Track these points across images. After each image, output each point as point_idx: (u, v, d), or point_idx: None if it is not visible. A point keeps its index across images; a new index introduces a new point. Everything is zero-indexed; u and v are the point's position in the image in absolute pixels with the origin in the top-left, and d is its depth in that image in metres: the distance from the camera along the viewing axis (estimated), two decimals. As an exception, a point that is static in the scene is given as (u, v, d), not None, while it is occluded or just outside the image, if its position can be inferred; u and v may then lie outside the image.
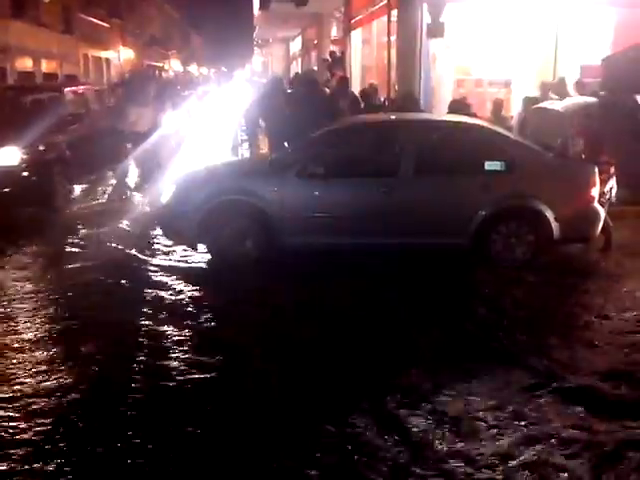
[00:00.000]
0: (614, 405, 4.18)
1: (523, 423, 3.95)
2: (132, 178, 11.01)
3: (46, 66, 25.57)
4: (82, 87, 12.40)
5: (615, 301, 5.91)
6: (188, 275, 6.67)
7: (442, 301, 5.92)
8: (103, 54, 34.09)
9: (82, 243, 7.83)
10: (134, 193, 10.37)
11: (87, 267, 6.88)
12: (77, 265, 6.96)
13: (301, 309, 5.69)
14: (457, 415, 4.03)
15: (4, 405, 4.13)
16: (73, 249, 7.60)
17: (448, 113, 9.13)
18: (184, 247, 7.31)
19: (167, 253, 7.41)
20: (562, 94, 10.19)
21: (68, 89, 11.34)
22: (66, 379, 4.48)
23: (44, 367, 4.65)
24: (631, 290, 6.14)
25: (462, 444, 3.74)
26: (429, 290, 6.15)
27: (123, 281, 6.44)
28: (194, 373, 4.59)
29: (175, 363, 4.75)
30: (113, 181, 10.87)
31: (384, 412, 4.07)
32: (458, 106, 9.30)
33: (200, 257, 7.17)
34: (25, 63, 23.85)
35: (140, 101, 11.06)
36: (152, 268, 6.91)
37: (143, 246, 7.70)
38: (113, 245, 7.66)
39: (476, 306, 5.80)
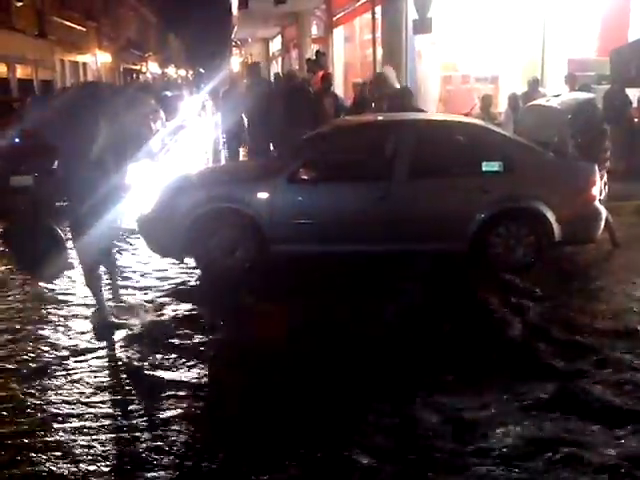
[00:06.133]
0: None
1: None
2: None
3: (21, 72, 25.01)
4: None
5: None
6: (174, 291, 6.34)
7: (444, 309, 5.66)
8: (79, 58, 33.49)
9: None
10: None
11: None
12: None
13: (297, 329, 5.29)
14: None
15: None
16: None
17: None
18: (169, 260, 6.98)
19: (149, 266, 7.09)
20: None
21: None
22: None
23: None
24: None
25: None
26: (431, 298, 5.87)
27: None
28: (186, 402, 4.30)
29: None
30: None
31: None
32: None
33: (187, 270, 6.86)
34: (-1, 69, 23.30)
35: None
36: (134, 283, 6.58)
37: (124, 258, 7.41)
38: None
39: (481, 314, 5.55)
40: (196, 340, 5.20)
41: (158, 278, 6.74)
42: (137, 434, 3.89)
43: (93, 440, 3.83)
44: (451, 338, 5.11)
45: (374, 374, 4.56)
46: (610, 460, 3.52)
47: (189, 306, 5.91)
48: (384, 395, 4.28)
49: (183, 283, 6.57)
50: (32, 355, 4.98)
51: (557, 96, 7.86)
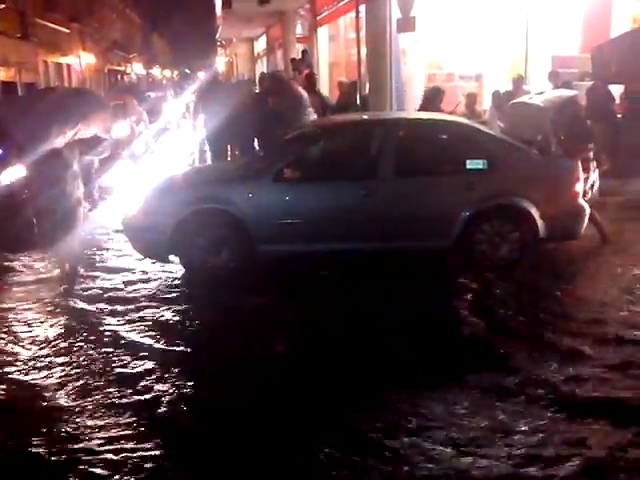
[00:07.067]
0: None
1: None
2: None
3: (4, 75, 24.82)
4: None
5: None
6: (159, 293, 6.31)
7: (430, 307, 5.68)
8: (63, 60, 33.28)
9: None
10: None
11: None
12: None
13: (285, 331, 5.29)
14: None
15: None
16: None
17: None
18: (154, 260, 6.95)
19: (135, 267, 7.07)
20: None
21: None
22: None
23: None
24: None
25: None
26: (416, 296, 5.89)
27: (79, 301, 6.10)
28: (169, 403, 4.28)
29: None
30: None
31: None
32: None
33: (172, 270, 6.84)
34: (-19, 72, 23.12)
35: None
36: (117, 285, 6.54)
37: (108, 258, 7.37)
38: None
39: (468, 311, 5.58)
40: (180, 341, 5.19)
41: (143, 279, 6.72)
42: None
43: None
44: (429, 336, 5.15)
45: (359, 371, 4.57)
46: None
47: (174, 307, 5.90)
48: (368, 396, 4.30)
49: (168, 283, 6.55)
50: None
51: (540, 93, 7.90)
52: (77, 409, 4.19)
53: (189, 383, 4.51)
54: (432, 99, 9.07)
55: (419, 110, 9.03)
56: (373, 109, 11.15)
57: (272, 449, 3.73)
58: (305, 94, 9.44)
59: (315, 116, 9.39)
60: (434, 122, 7.22)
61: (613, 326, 5.18)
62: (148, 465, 3.60)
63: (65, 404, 4.27)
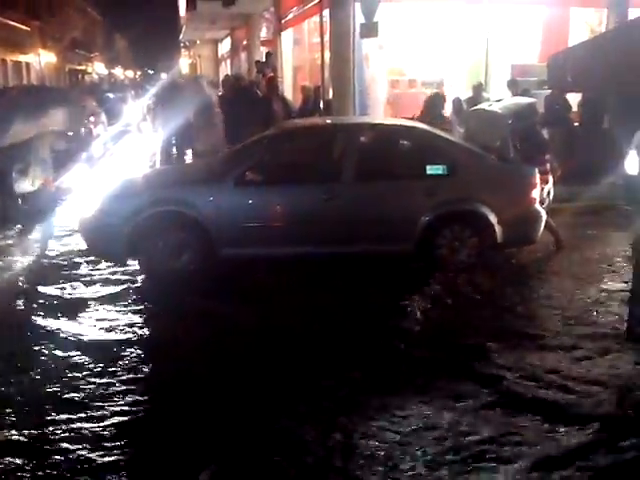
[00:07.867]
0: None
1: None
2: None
3: (-40, 72, 24.30)
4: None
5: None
6: (116, 296, 6.23)
7: (390, 310, 5.73)
8: (22, 58, 32.66)
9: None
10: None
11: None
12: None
13: (244, 335, 5.28)
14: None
15: None
16: None
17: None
18: (112, 263, 6.88)
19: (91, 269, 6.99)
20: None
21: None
22: None
23: None
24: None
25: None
26: (377, 299, 5.95)
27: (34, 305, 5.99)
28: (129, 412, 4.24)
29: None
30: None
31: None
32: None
33: (131, 273, 6.76)
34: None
35: None
36: (72, 290, 6.42)
37: (60, 264, 7.26)
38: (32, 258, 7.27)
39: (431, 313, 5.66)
40: (136, 345, 5.15)
41: (100, 281, 6.64)
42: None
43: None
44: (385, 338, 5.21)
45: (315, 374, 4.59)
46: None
47: (131, 309, 5.87)
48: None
49: (126, 286, 6.47)
50: None
51: (499, 101, 8.03)
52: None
53: (141, 389, 4.48)
54: (432, 107, 9.03)
55: (419, 118, 8.79)
56: (336, 114, 11.20)
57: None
58: (211, 98, 9.72)
59: (220, 117, 9.56)
60: (395, 127, 7.30)
61: (556, 333, 5.29)
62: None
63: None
